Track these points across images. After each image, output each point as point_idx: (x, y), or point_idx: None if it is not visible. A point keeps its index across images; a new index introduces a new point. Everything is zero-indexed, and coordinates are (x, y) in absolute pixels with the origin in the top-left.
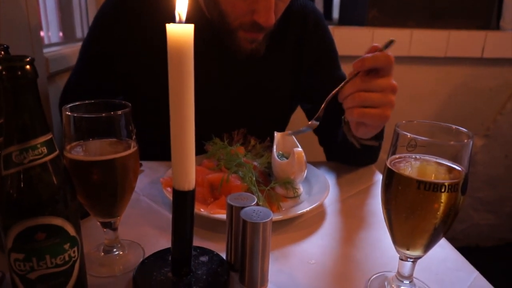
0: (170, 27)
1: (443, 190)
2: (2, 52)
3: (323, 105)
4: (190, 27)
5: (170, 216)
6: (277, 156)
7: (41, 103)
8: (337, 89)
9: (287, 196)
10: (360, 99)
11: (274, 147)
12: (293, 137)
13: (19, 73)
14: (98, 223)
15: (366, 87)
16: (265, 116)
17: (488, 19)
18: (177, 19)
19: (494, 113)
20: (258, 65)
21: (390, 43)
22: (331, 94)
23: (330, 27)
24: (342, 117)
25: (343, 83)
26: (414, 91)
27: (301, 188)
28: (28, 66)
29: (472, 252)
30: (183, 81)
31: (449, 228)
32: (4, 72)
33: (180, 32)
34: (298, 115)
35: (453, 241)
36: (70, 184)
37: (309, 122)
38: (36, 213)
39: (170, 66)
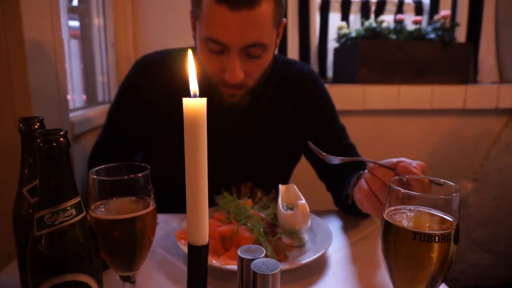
0: (186, 101)
1: (437, 240)
2: (38, 124)
3: (349, 159)
4: (203, 101)
5: (184, 267)
6: (282, 208)
7: (72, 169)
8: (375, 162)
9: (293, 246)
10: (378, 189)
11: (279, 199)
12: (296, 188)
13: (54, 144)
14: (118, 276)
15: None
16: (270, 169)
17: (466, 75)
18: (192, 93)
19: (480, 158)
20: (261, 123)
21: (439, 184)
22: (364, 159)
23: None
24: (360, 173)
25: (383, 162)
26: (405, 141)
27: (306, 237)
28: (62, 139)
29: None
30: (197, 147)
31: (447, 275)
32: (41, 144)
33: (195, 105)
34: (301, 167)
35: (453, 281)
36: (94, 242)
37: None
38: (64, 271)
39: (186, 134)
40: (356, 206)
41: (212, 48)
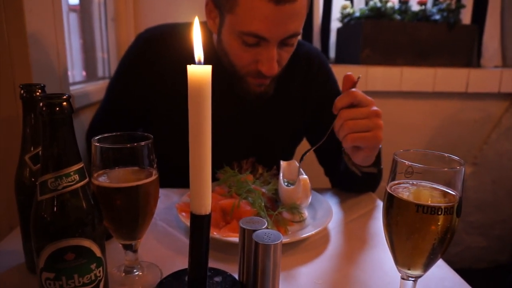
0: (190, 68)
1: (439, 213)
2: (39, 91)
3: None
4: (208, 68)
5: (184, 239)
6: (284, 183)
7: (75, 135)
8: (329, 130)
9: (294, 221)
10: (349, 126)
11: (281, 174)
12: (298, 165)
13: (57, 109)
14: (120, 245)
15: (352, 116)
16: (273, 147)
17: (469, 58)
18: (196, 60)
19: (479, 142)
20: (267, 103)
21: (358, 79)
22: (324, 138)
23: None
24: (342, 148)
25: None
26: (406, 123)
27: (306, 213)
28: (65, 103)
29: (466, 274)
30: (201, 115)
31: (447, 248)
32: (44, 108)
33: (200, 72)
34: (303, 148)
35: (448, 263)
36: (97, 209)
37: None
38: (67, 235)
39: (190, 102)
40: (354, 176)
41: (248, 41)
